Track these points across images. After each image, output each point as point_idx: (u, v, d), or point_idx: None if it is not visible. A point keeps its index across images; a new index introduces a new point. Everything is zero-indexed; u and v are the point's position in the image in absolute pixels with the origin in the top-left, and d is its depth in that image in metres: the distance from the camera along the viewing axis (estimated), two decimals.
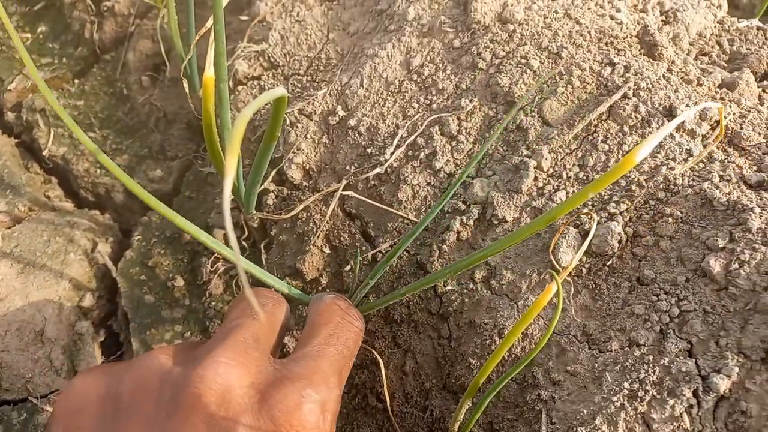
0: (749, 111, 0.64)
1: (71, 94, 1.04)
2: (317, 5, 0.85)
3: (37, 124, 1.00)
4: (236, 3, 0.95)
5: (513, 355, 0.58)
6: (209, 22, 0.62)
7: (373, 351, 0.66)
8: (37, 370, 0.75)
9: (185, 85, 0.85)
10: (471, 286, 0.62)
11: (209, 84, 0.51)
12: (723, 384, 0.48)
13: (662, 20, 0.80)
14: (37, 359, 0.75)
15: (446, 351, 0.64)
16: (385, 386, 0.63)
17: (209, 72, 0.52)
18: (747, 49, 0.79)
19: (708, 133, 0.62)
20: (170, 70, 0.99)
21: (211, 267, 0.82)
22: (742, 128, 0.62)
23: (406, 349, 0.67)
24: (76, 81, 1.07)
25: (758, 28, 0.84)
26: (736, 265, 0.51)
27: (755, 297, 0.50)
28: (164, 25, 0.99)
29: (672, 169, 0.59)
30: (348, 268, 0.71)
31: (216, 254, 0.83)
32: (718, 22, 0.84)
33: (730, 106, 0.65)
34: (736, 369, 0.48)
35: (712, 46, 0.80)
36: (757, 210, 0.53)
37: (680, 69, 0.69)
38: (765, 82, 0.74)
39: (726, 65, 0.77)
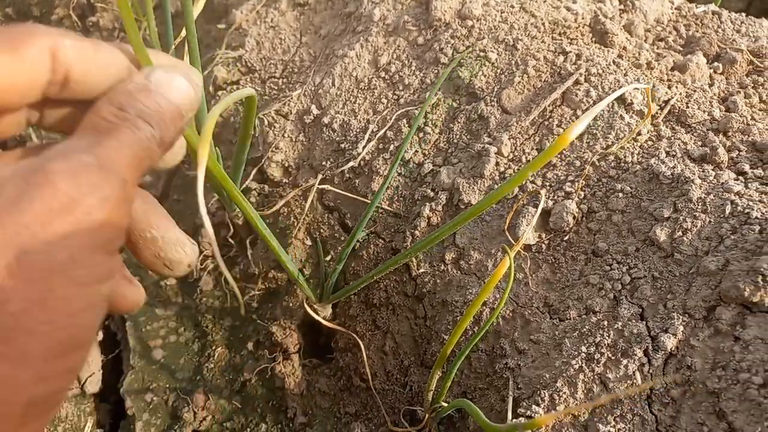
0: (695, 91, 0.68)
1: None
2: (290, 10, 0.89)
3: (29, 138, 1.04)
4: (214, 12, 0.99)
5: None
6: (185, 32, 0.66)
7: (355, 335, 0.70)
8: None
9: None
10: (442, 267, 0.66)
11: None
12: (670, 342, 0.52)
13: (620, 9, 0.84)
14: None
15: (422, 330, 0.68)
16: (367, 367, 0.67)
17: None
18: (702, 33, 0.83)
19: (657, 113, 0.66)
20: None
21: (201, 265, 0.86)
22: (688, 107, 0.66)
23: (386, 330, 0.71)
24: None
25: (713, 13, 0.87)
26: (680, 233, 0.55)
27: (697, 261, 0.54)
28: (147, 36, 1.03)
29: (622, 148, 0.63)
30: (329, 258, 0.75)
31: (205, 252, 0.87)
32: (675, 9, 0.88)
33: (677, 87, 0.69)
34: (681, 328, 0.52)
35: (669, 32, 0.84)
36: (698, 181, 0.57)
37: (632, 54, 0.73)
38: (716, 63, 0.78)
39: (681, 49, 0.81)
